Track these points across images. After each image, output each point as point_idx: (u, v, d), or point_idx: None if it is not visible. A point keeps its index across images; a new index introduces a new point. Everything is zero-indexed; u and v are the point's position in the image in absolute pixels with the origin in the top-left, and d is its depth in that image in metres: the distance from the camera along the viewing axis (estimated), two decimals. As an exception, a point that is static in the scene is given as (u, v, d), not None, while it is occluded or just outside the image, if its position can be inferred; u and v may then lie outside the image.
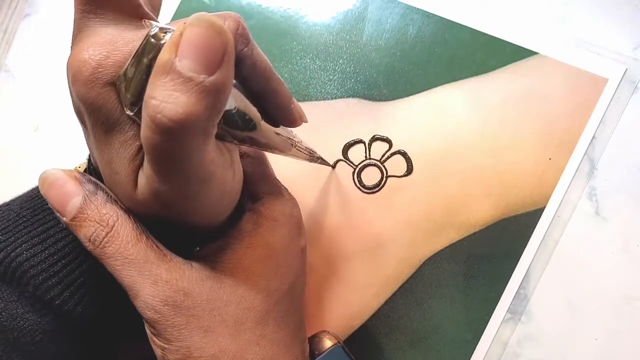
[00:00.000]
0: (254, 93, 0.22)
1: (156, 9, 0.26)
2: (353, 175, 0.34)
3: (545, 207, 0.30)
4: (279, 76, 0.23)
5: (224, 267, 0.23)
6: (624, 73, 0.30)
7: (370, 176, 0.34)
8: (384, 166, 0.34)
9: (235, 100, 0.20)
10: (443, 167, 0.32)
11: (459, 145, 0.32)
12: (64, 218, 0.21)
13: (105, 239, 0.20)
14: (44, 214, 0.24)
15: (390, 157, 0.34)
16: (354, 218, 0.34)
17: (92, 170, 0.24)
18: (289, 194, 0.27)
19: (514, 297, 0.30)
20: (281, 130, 0.24)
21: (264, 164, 0.28)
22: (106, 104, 0.19)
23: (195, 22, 0.16)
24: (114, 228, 0.21)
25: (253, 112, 0.21)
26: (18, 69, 0.48)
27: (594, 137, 0.30)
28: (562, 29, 0.32)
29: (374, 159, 0.34)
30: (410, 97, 0.34)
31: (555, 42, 0.32)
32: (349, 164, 0.34)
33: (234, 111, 0.19)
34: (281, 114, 0.24)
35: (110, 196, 0.21)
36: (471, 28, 0.33)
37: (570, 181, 0.30)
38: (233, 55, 0.16)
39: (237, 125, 0.20)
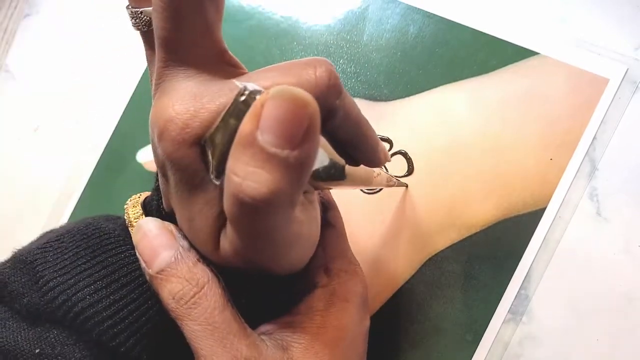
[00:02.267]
0: (342, 140, 0.21)
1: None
2: (354, 176, 0.34)
3: (546, 207, 0.30)
4: (365, 117, 0.22)
5: (296, 348, 0.22)
6: (625, 73, 0.30)
7: (371, 176, 0.34)
8: (384, 166, 0.34)
9: (326, 154, 0.19)
10: (444, 168, 0.32)
11: (460, 146, 0.32)
12: (149, 270, 0.20)
13: (193, 300, 0.20)
14: (105, 256, 0.23)
15: (391, 157, 0.34)
16: (355, 218, 0.34)
17: (160, 208, 0.23)
18: (362, 271, 0.26)
19: (515, 297, 0.30)
20: (362, 167, 0.24)
21: (343, 237, 0.27)
22: (192, 164, 0.18)
23: (277, 95, 0.14)
24: (203, 289, 0.20)
25: (340, 162, 0.20)
26: (18, 69, 0.48)
27: (595, 137, 0.30)
28: (562, 29, 0.32)
29: (375, 159, 0.34)
30: (411, 97, 0.34)
31: (556, 42, 0.32)
32: (349, 164, 0.34)
33: (323, 166, 0.19)
34: (367, 156, 0.23)
35: (203, 256, 0.21)
36: (472, 28, 0.33)
37: (572, 181, 0.30)
38: (318, 127, 0.15)
39: (323, 178, 0.19)
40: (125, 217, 0.24)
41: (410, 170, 0.33)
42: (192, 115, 0.18)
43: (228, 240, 0.19)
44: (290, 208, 0.17)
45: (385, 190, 0.33)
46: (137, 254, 0.21)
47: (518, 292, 0.30)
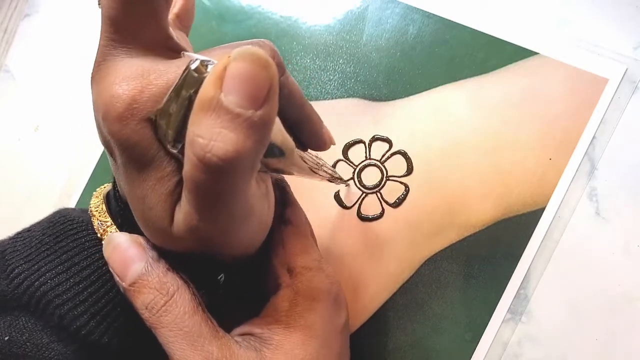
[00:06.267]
0: (287, 120, 0.22)
1: (187, 27, 0.26)
2: (353, 175, 0.34)
3: (545, 207, 0.30)
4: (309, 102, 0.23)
5: (266, 349, 0.22)
6: (624, 73, 0.30)
7: (371, 176, 0.34)
8: (384, 166, 0.34)
9: (278, 130, 0.19)
10: (443, 167, 0.32)
11: (459, 146, 0.32)
12: (123, 283, 0.21)
13: (163, 308, 0.20)
14: (67, 241, 0.23)
15: (391, 157, 0.34)
16: (354, 218, 0.34)
17: (116, 196, 0.24)
18: (328, 267, 0.26)
19: (515, 297, 0.30)
20: (307, 154, 0.24)
21: (305, 235, 0.27)
22: (142, 140, 0.18)
23: (239, 56, 0.15)
24: (173, 297, 0.20)
25: (289, 140, 0.20)
26: (18, 69, 0.48)
27: (594, 137, 0.30)
28: (562, 29, 0.32)
29: (374, 159, 0.34)
30: (411, 97, 0.34)
31: (555, 42, 0.32)
32: (349, 164, 0.34)
33: (274, 142, 0.19)
34: (312, 139, 0.24)
35: (172, 266, 0.21)
36: (471, 28, 0.33)
37: (571, 181, 0.30)
38: (278, 88, 0.16)
39: (274, 154, 0.20)
40: (89, 207, 0.24)
41: (409, 170, 0.33)
42: (139, 91, 0.18)
43: (182, 213, 0.19)
44: (250, 172, 0.17)
45: (385, 188, 0.33)
46: (110, 268, 0.21)
47: (517, 292, 0.30)
